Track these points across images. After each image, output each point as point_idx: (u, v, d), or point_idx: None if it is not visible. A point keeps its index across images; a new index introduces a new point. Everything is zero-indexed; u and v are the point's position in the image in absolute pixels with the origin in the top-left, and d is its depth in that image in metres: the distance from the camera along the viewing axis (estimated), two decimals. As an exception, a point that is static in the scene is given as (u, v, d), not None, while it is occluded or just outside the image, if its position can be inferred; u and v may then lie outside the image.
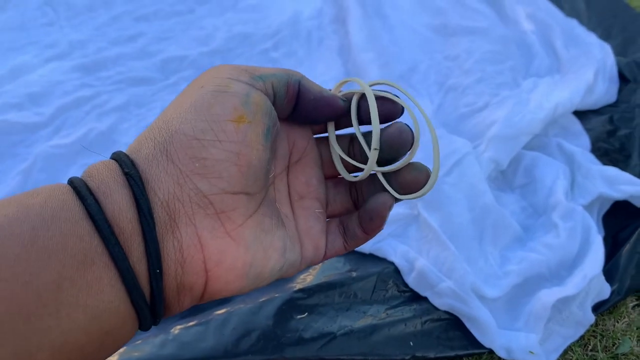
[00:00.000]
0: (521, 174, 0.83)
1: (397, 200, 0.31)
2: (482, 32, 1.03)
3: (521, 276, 0.71)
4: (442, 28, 1.05)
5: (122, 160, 0.25)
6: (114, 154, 0.26)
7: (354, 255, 0.78)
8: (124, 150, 0.27)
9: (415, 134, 0.31)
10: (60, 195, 0.23)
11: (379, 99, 0.30)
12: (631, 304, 0.71)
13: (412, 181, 0.30)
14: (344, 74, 0.99)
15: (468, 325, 0.68)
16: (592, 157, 0.85)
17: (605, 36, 1.04)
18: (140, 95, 0.98)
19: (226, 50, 1.08)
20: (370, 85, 0.31)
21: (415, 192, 0.31)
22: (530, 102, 0.87)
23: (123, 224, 0.23)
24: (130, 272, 0.23)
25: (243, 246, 0.26)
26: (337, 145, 0.32)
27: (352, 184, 0.32)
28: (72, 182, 0.24)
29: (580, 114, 0.93)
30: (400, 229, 0.78)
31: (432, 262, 0.72)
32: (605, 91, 0.94)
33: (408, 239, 0.77)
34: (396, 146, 0.30)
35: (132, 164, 0.25)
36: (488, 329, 0.66)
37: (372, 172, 0.31)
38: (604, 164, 0.85)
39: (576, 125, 0.91)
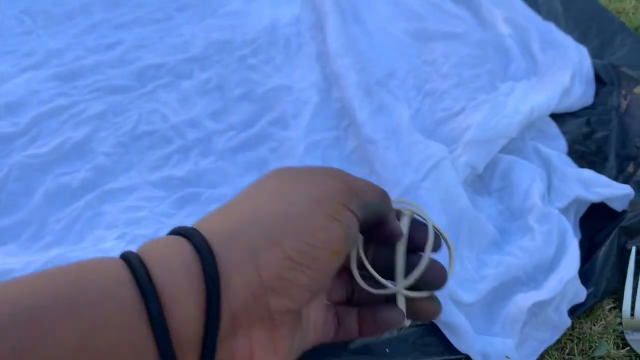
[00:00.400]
0: (498, 177, 0.83)
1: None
2: (460, 36, 1.04)
3: (497, 280, 0.71)
4: (420, 33, 1.05)
5: (204, 254, 0.23)
6: (191, 234, 0.24)
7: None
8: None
9: (448, 274, 0.33)
10: (117, 291, 0.21)
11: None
12: (607, 307, 0.71)
13: (428, 311, 0.33)
14: (322, 80, 0.99)
15: (444, 331, 0.67)
16: (568, 160, 0.85)
17: (582, 39, 1.04)
18: (117, 104, 0.97)
19: (204, 57, 1.08)
20: (396, 203, 0.33)
21: (424, 318, 0.34)
22: (506, 105, 0.87)
23: (186, 336, 0.22)
24: None
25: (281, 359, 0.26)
26: (366, 261, 0.33)
27: (353, 282, 0.33)
28: (134, 273, 0.22)
29: (557, 117, 0.93)
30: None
31: (409, 267, 0.72)
32: (582, 94, 0.94)
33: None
34: (431, 285, 0.32)
35: (214, 260, 0.23)
36: (464, 335, 0.66)
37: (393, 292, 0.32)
38: (581, 166, 0.86)
39: (553, 128, 0.91)
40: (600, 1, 1.22)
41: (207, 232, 0.24)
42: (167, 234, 0.26)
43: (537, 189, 0.78)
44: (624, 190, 0.77)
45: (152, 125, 0.94)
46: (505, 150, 0.85)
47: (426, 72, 0.98)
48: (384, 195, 0.30)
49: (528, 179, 0.80)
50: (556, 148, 0.87)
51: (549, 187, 0.81)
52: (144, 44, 1.11)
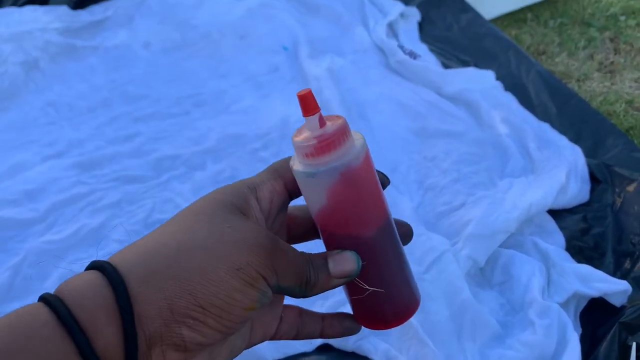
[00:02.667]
0: (499, 271, 0.85)
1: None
2: (459, 134, 1.09)
3: (500, 375, 0.71)
4: (422, 131, 1.11)
5: (117, 288, 0.27)
6: (106, 270, 0.27)
7: (335, 354, 0.79)
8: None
9: None
10: (49, 334, 0.25)
11: None
12: (611, 404, 0.71)
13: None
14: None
15: None
16: (566, 255, 0.88)
17: (575, 139, 1.10)
18: (133, 193, 1.02)
19: (218, 149, 1.14)
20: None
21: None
22: (505, 201, 0.91)
23: (111, 357, 0.26)
24: None
25: None
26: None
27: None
28: (57, 312, 0.26)
29: (555, 213, 0.97)
30: (381, 326, 0.79)
31: None
32: (578, 191, 0.98)
33: (389, 337, 0.78)
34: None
35: (126, 292, 0.27)
36: None
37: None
38: (579, 261, 0.88)
39: (551, 223, 0.94)
40: (592, 103, 1.29)
41: (124, 268, 0.28)
42: (86, 269, 0.29)
43: (537, 283, 0.80)
44: (622, 286, 0.79)
45: (165, 213, 0.98)
46: (505, 244, 0.88)
47: (427, 167, 1.03)
48: (303, 281, 0.32)
49: (528, 273, 0.82)
50: (554, 243, 0.90)
51: (549, 282, 0.83)
52: (161, 136, 1.17)
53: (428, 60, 1.34)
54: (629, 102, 1.29)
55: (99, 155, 1.11)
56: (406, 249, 0.86)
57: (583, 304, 0.83)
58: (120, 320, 0.26)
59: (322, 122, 0.33)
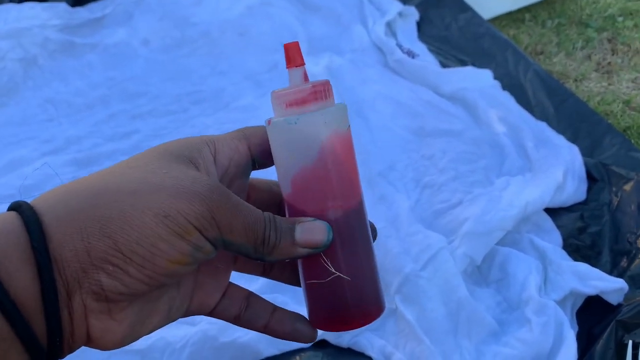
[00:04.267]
0: (496, 269, 0.85)
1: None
2: (457, 133, 1.10)
3: (496, 371, 0.72)
4: (419, 130, 1.11)
5: (31, 227, 0.25)
6: (22, 209, 0.25)
7: (331, 349, 0.79)
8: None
9: None
10: None
11: None
12: (607, 401, 0.72)
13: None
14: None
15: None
16: (563, 253, 0.88)
17: (573, 139, 1.10)
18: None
19: (216, 147, 1.13)
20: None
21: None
22: (502, 200, 0.91)
23: (27, 302, 0.24)
24: (37, 347, 0.24)
25: (124, 324, 0.27)
26: None
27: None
28: None
29: (552, 211, 0.97)
30: (377, 323, 0.79)
31: (408, 356, 0.73)
32: (575, 190, 0.99)
33: (385, 333, 0.78)
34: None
35: (42, 234, 0.25)
36: None
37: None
38: (576, 260, 0.88)
39: (548, 222, 0.94)
40: (590, 103, 1.30)
41: (43, 207, 0.26)
42: (7, 209, 0.27)
43: (534, 280, 0.80)
44: (618, 284, 0.79)
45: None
46: (502, 242, 0.89)
47: (425, 165, 1.03)
48: (258, 240, 0.29)
49: (525, 271, 0.82)
50: (551, 241, 0.90)
51: (545, 279, 0.83)
52: (159, 134, 1.17)
53: (426, 60, 1.34)
54: (626, 102, 1.30)
55: (96, 152, 1.11)
56: (403, 246, 0.85)
57: (580, 301, 0.83)
58: (35, 262, 0.24)
59: (306, 78, 0.32)
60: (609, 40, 1.53)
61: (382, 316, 0.78)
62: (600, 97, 1.32)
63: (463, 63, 1.34)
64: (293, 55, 0.31)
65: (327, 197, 0.31)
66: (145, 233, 0.25)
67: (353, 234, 0.32)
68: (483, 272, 0.86)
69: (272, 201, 0.34)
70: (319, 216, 0.31)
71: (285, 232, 0.30)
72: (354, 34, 1.43)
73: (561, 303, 0.80)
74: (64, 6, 1.48)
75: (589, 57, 1.47)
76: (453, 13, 1.49)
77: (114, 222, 0.25)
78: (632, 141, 1.17)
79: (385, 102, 1.21)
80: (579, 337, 0.78)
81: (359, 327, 0.32)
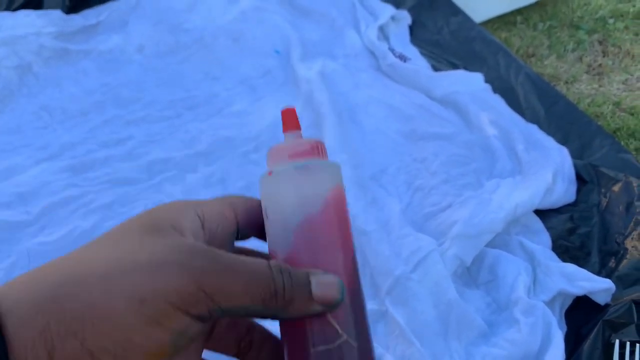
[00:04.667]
0: (485, 270, 0.86)
1: None
2: (448, 137, 1.11)
3: (485, 372, 0.72)
4: (411, 133, 1.12)
5: None
6: None
7: (323, 352, 0.80)
8: None
9: None
10: None
11: None
12: (594, 401, 0.73)
13: None
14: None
15: (433, 422, 0.68)
16: (552, 254, 0.89)
17: (563, 141, 1.11)
18: (124, 195, 1.03)
19: (210, 152, 1.15)
20: None
21: None
22: (491, 202, 0.92)
23: None
24: None
25: None
26: None
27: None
28: None
29: (542, 213, 0.98)
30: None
31: (399, 359, 0.74)
32: (564, 191, 1.00)
33: (376, 335, 0.79)
34: None
35: (3, 342, 0.21)
36: None
37: None
38: (565, 261, 0.89)
39: (537, 223, 0.95)
40: (580, 105, 1.31)
41: (5, 305, 0.22)
42: None
43: (523, 282, 0.81)
44: (606, 284, 0.80)
45: (156, 215, 0.99)
46: (491, 244, 0.90)
47: (416, 169, 1.04)
48: (267, 294, 0.24)
49: (514, 273, 0.83)
50: (541, 243, 0.91)
51: (535, 281, 0.84)
52: (154, 140, 1.18)
53: (418, 64, 1.35)
54: (617, 104, 1.31)
55: (91, 158, 1.12)
56: (394, 249, 0.86)
57: (568, 302, 0.84)
58: None
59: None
60: (600, 42, 1.54)
61: (372, 319, 0.79)
62: (590, 99, 1.34)
63: (455, 66, 1.35)
64: (291, 121, 0.32)
65: (334, 246, 0.29)
66: (118, 325, 0.22)
67: (357, 289, 0.29)
68: (473, 274, 0.87)
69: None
70: (327, 270, 0.28)
71: (301, 283, 0.26)
72: (346, 38, 1.44)
73: (550, 304, 0.81)
74: (58, 13, 1.49)
75: (580, 59, 1.49)
76: (445, 16, 1.50)
77: (81, 316, 0.21)
78: (622, 142, 1.18)
79: (377, 106, 1.22)
80: (568, 337, 0.79)
81: None
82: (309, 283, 0.26)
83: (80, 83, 1.35)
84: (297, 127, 0.32)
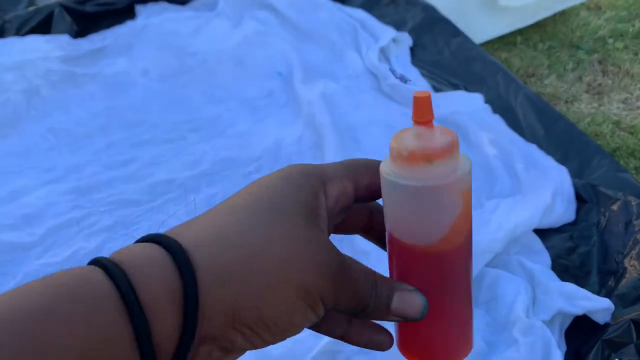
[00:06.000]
0: (485, 290, 0.87)
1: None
2: (448, 156, 1.12)
3: (485, 392, 0.73)
4: (411, 153, 1.13)
5: (188, 279, 0.25)
6: (176, 251, 0.26)
7: (323, 372, 0.80)
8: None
9: None
10: (109, 309, 0.24)
11: None
12: (595, 421, 0.72)
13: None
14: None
15: None
16: (551, 274, 0.89)
17: (562, 160, 1.12)
18: (128, 216, 1.04)
19: (212, 173, 1.16)
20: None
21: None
22: (491, 222, 0.92)
23: (162, 345, 0.25)
24: None
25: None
26: None
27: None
28: (118, 286, 0.24)
29: (542, 232, 0.99)
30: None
31: (398, 378, 0.74)
32: (564, 211, 1.00)
33: (376, 355, 0.79)
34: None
35: (196, 286, 0.25)
36: None
37: None
38: (565, 280, 0.89)
39: (537, 243, 0.96)
40: (580, 124, 1.32)
41: (194, 254, 0.26)
42: (144, 240, 0.27)
43: (522, 301, 0.81)
44: (605, 303, 0.81)
45: (159, 236, 1.00)
46: (491, 263, 0.90)
47: (417, 189, 1.05)
48: (360, 308, 0.29)
49: (513, 292, 0.84)
50: (540, 262, 0.92)
51: (534, 300, 0.84)
52: (157, 161, 1.20)
53: (419, 84, 1.37)
54: (616, 123, 1.32)
55: (95, 180, 1.14)
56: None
57: (568, 321, 0.84)
58: (182, 314, 0.25)
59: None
60: (600, 62, 1.56)
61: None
62: (590, 118, 1.35)
63: (455, 87, 1.37)
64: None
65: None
66: (287, 306, 0.27)
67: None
68: (473, 294, 0.88)
69: (358, 223, 0.35)
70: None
71: (384, 299, 0.30)
72: (348, 60, 1.46)
73: (549, 323, 0.81)
74: (66, 38, 1.53)
75: (579, 78, 1.50)
76: (445, 38, 1.53)
77: (263, 293, 0.26)
78: (621, 162, 1.19)
79: (378, 126, 1.23)
80: (568, 357, 0.79)
81: None
82: (390, 299, 0.30)
83: (87, 106, 1.37)
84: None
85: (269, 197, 0.29)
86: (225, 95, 1.40)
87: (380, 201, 0.32)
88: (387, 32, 1.52)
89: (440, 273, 0.30)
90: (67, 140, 1.29)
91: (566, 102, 1.42)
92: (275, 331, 0.27)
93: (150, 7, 1.65)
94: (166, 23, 1.55)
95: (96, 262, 0.25)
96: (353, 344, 0.34)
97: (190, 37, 1.53)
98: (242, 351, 0.28)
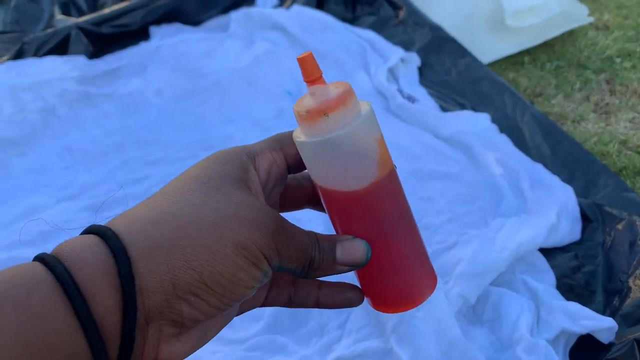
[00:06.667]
0: (489, 309, 0.88)
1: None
2: (454, 176, 1.13)
3: (488, 411, 0.73)
4: (418, 172, 1.15)
5: (120, 258, 0.26)
6: (107, 236, 0.27)
7: (329, 389, 0.81)
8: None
9: None
10: (44, 291, 0.24)
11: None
12: None
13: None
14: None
15: None
16: (555, 293, 0.90)
17: (568, 179, 1.13)
18: (140, 234, 1.06)
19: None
20: None
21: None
22: (496, 241, 0.94)
23: (107, 326, 0.25)
24: None
25: (189, 344, 0.29)
26: None
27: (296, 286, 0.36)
28: (54, 271, 0.25)
29: (547, 251, 0.99)
30: (374, 363, 0.82)
31: (402, 395, 0.75)
32: (569, 230, 1.01)
33: (381, 373, 0.81)
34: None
35: (129, 262, 0.26)
36: None
37: None
38: (570, 299, 0.90)
39: (542, 262, 0.97)
40: (587, 144, 1.33)
41: (125, 235, 0.27)
42: (82, 233, 0.29)
43: (525, 320, 0.82)
44: (608, 323, 0.81)
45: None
46: (496, 282, 0.91)
47: (423, 207, 1.07)
48: (306, 263, 0.31)
49: (517, 311, 0.85)
50: (545, 281, 0.93)
51: (538, 319, 0.85)
52: (170, 179, 1.22)
53: (426, 104, 1.39)
54: (623, 143, 1.33)
55: (109, 198, 1.17)
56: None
57: (573, 340, 0.85)
58: (121, 290, 0.26)
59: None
60: (607, 82, 1.57)
61: (377, 357, 0.81)
62: (597, 137, 1.36)
63: (462, 106, 1.38)
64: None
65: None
66: (227, 264, 0.27)
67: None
68: (477, 312, 0.89)
69: (303, 196, 0.36)
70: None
71: (328, 252, 0.32)
72: (357, 80, 1.49)
73: (553, 342, 0.82)
74: (82, 59, 1.57)
75: (587, 98, 1.51)
76: (453, 58, 1.55)
77: (199, 255, 0.27)
78: (628, 181, 1.20)
79: (386, 146, 1.25)
80: (572, 377, 0.80)
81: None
82: (334, 250, 0.32)
83: (102, 125, 1.41)
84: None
85: (196, 176, 0.31)
86: (237, 115, 1.42)
87: None
88: (395, 52, 1.55)
89: (373, 215, 0.32)
90: (82, 158, 1.33)
91: (573, 121, 1.43)
92: (220, 292, 0.27)
93: (164, 28, 1.69)
94: (179, 44, 1.59)
95: (36, 257, 0.27)
96: (327, 307, 0.36)
97: (203, 57, 1.56)
98: (194, 322, 0.28)
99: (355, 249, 0.32)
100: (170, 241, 0.27)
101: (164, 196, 0.30)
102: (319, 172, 0.32)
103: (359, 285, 0.36)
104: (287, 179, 0.35)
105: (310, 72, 0.31)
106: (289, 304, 0.35)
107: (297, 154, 0.33)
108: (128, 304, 0.26)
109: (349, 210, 0.32)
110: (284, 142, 0.33)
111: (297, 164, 0.34)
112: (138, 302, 0.26)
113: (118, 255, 0.26)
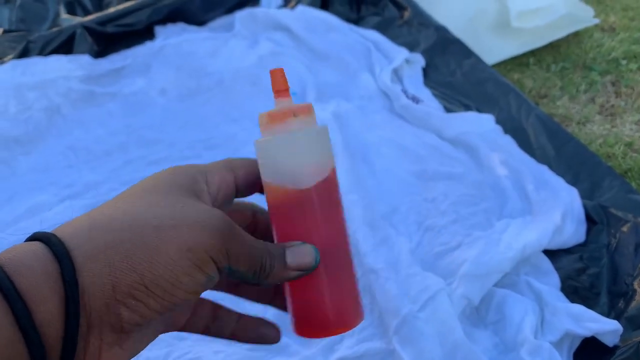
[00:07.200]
0: (493, 310, 0.87)
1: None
2: (458, 177, 1.13)
3: (492, 413, 0.73)
4: (422, 173, 1.15)
5: (62, 261, 0.26)
6: (51, 242, 0.26)
7: (331, 389, 0.81)
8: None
9: None
10: None
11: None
12: None
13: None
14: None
15: None
16: (559, 294, 0.90)
17: (573, 181, 1.12)
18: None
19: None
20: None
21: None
22: (500, 242, 0.93)
23: (49, 332, 0.25)
24: None
25: (128, 351, 0.29)
26: None
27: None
28: None
29: (552, 253, 0.99)
30: (377, 363, 0.82)
31: (405, 396, 0.75)
32: (573, 232, 1.01)
33: (384, 374, 0.80)
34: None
35: (72, 266, 0.26)
36: None
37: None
38: (575, 301, 0.90)
39: (547, 264, 0.96)
40: (592, 146, 1.32)
41: (71, 243, 0.27)
42: (27, 239, 0.28)
43: (529, 322, 0.82)
44: (613, 325, 0.81)
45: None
46: (500, 284, 0.91)
47: (427, 208, 1.06)
48: (257, 268, 0.31)
49: (521, 313, 0.84)
50: (549, 283, 0.92)
51: (542, 321, 0.85)
52: (173, 179, 1.22)
53: (431, 105, 1.38)
54: (629, 144, 1.32)
55: (112, 196, 1.16)
56: (402, 288, 0.88)
57: (577, 343, 0.84)
58: (64, 295, 0.25)
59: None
60: (613, 84, 1.56)
61: (379, 358, 0.80)
62: (602, 139, 1.35)
63: (467, 107, 1.38)
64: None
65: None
66: (170, 267, 0.27)
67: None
68: (481, 314, 0.88)
69: (242, 222, 0.36)
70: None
71: (278, 258, 0.32)
72: (361, 81, 1.49)
73: (557, 344, 0.81)
74: (87, 58, 1.57)
75: (592, 100, 1.50)
76: (458, 59, 1.54)
77: (141, 257, 0.27)
78: (633, 183, 1.19)
79: (390, 146, 1.25)
80: (576, 379, 0.79)
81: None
82: (283, 256, 0.32)
83: (106, 124, 1.41)
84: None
85: (144, 185, 0.31)
86: (240, 114, 1.42)
87: (264, 205, 0.36)
88: (400, 53, 1.54)
89: (319, 215, 0.34)
90: (86, 157, 1.33)
91: (578, 123, 1.43)
92: (160, 294, 0.27)
93: (169, 28, 1.69)
94: (184, 44, 1.59)
95: None
96: (241, 341, 0.36)
97: (207, 57, 1.56)
98: (133, 327, 0.27)
99: (304, 253, 0.33)
100: (113, 243, 0.27)
101: (110, 204, 0.30)
102: (277, 169, 0.34)
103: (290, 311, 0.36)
104: (243, 209, 0.37)
105: (280, 83, 0.35)
106: (205, 331, 0.35)
107: (246, 177, 0.35)
108: (71, 309, 0.25)
109: (296, 211, 0.34)
110: (234, 165, 0.35)
111: (245, 187, 0.35)
112: (81, 307, 0.26)
113: (62, 260, 0.26)
